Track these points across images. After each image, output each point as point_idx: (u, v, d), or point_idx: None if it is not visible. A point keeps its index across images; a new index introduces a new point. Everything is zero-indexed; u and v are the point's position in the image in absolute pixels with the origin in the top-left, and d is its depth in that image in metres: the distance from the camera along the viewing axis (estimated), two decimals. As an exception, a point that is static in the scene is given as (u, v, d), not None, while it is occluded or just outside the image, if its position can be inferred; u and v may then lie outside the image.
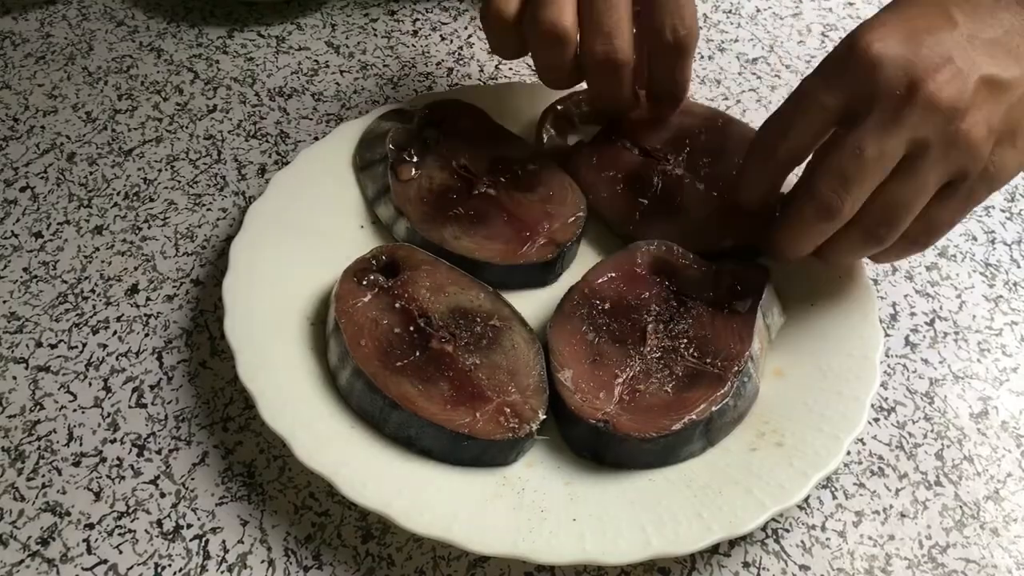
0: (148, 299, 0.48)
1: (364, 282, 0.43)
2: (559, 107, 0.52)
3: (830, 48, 0.62)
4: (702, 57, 0.62)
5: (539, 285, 0.47)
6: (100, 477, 0.42)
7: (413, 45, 0.62)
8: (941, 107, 0.37)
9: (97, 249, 0.50)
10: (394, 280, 0.44)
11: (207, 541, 0.40)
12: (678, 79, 0.46)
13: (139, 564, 0.39)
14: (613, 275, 0.44)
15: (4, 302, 0.48)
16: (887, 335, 0.48)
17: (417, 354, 0.41)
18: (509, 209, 0.47)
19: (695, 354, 0.42)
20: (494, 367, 0.41)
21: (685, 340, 0.42)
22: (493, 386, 0.41)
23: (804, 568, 0.40)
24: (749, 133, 0.49)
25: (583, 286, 0.44)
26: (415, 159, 0.49)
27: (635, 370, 0.41)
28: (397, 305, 0.43)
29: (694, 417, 0.39)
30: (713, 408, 0.39)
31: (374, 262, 0.44)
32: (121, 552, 0.39)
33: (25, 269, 0.49)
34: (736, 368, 0.40)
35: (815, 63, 0.61)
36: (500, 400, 0.40)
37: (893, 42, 0.38)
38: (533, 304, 0.45)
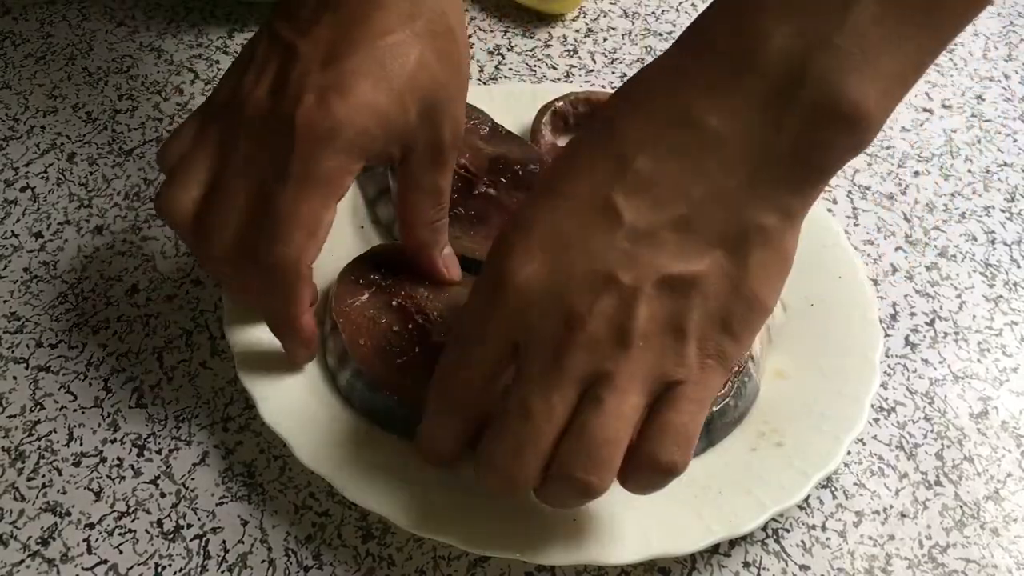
0: (148, 299, 0.48)
1: (361, 281, 0.43)
2: (558, 104, 0.53)
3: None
4: (702, 57, 0.62)
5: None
6: (100, 477, 0.42)
7: (413, 45, 0.62)
8: (607, 341, 0.31)
9: (97, 249, 0.50)
10: (392, 279, 0.44)
11: (207, 541, 0.40)
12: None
13: (139, 564, 0.39)
14: None
15: (4, 302, 0.48)
16: (887, 335, 0.48)
17: (417, 350, 0.41)
18: (509, 209, 0.47)
19: None
20: None
21: None
22: None
23: (804, 568, 0.40)
24: None
25: None
26: (415, 159, 0.49)
27: None
28: (395, 303, 0.43)
29: None
30: (714, 408, 0.39)
31: (371, 261, 0.44)
32: (121, 552, 0.39)
33: (25, 269, 0.49)
34: (736, 368, 0.40)
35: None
36: None
37: (541, 267, 0.32)
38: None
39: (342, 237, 0.48)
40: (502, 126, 0.52)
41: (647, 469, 0.32)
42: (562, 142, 0.52)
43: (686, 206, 0.31)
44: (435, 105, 0.39)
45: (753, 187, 0.31)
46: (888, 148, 0.57)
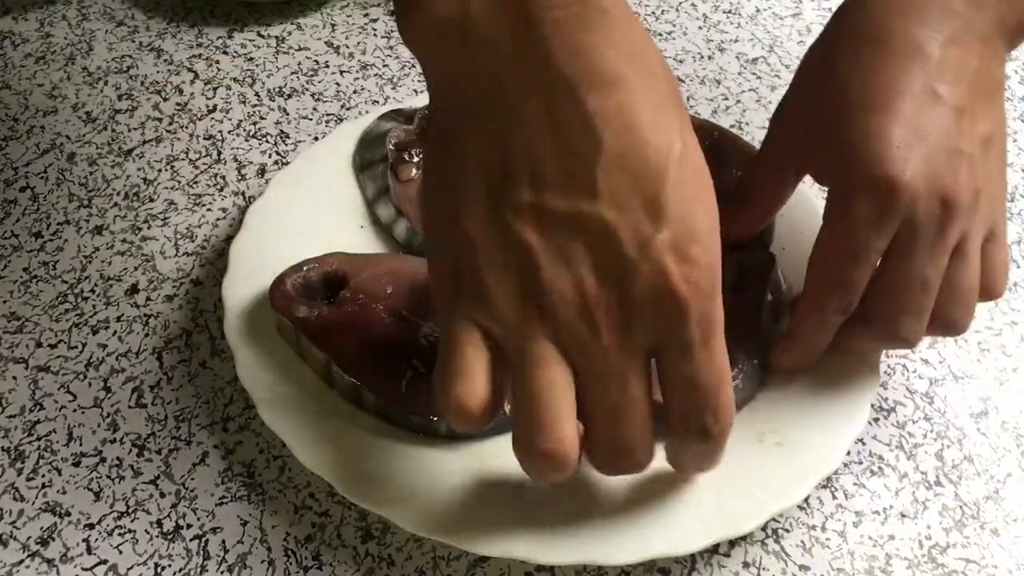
0: (148, 299, 0.48)
1: (314, 309, 0.42)
2: None
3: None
4: (702, 57, 0.62)
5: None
6: (100, 477, 0.42)
7: (413, 45, 0.62)
8: (970, 207, 0.38)
9: (97, 249, 0.50)
10: (344, 292, 0.43)
11: (207, 541, 0.40)
12: (703, 467, 0.36)
13: (139, 564, 0.39)
14: None
15: (4, 302, 0.48)
16: (887, 335, 0.48)
17: (417, 347, 0.41)
18: None
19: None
20: None
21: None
22: None
23: (804, 568, 0.40)
24: (744, 146, 0.50)
25: None
26: (415, 159, 0.49)
27: None
28: (367, 313, 0.42)
29: None
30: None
31: (312, 288, 0.44)
32: (121, 552, 0.39)
33: (25, 269, 0.49)
34: (745, 346, 0.41)
35: (815, 63, 0.61)
36: None
37: (919, 165, 0.37)
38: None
39: (342, 237, 0.48)
40: None
41: (984, 296, 0.40)
42: None
43: (968, 82, 0.38)
44: None
45: (995, 53, 0.40)
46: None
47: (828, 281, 0.39)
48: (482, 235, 0.31)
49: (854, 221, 0.38)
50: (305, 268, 0.44)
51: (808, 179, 0.42)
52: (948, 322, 0.39)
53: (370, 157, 0.50)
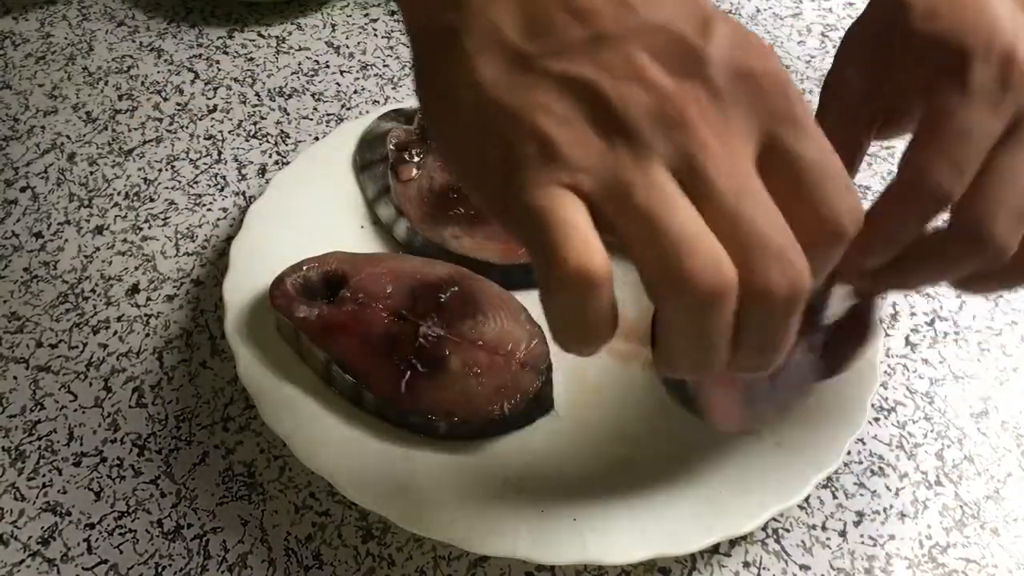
0: (148, 299, 0.48)
1: (315, 309, 0.43)
2: None
3: (831, 48, 0.63)
4: (702, 57, 0.62)
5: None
6: (100, 477, 0.42)
7: (413, 45, 0.62)
8: None
9: (97, 249, 0.50)
10: (344, 292, 0.43)
11: (207, 541, 0.40)
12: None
13: (139, 564, 0.39)
14: None
15: (4, 302, 0.48)
16: (887, 335, 0.48)
17: (416, 347, 0.41)
18: None
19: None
20: (495, 330, 0.42)
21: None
22: (500, 343, 0.42)
23: (804, 568, 0.40)
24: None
25: None
26: (415, 159, 0.49)
27: None
28: (367, 313, 0.42)
29: None
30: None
31: (312, 288, 0.44)
32: (121, 552, 0.39)
33: (25, 269, 0.49)
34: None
35: (815, 63, 0.61)
36: (511, 355, 0.42)
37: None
38: (534, 304, 0.45)
39: (342, 237, 0.48)
40: None
41: None
42: None
43: None
44: None
45: None
46: (888, 148, 0.57)
47: (932, 162, 0.32)
48: (525, 97, 0.26)
49: (971, 93, 0.31)
50: (305, 268, 0.44)
51: None
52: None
53: (370, 157, 0.50)
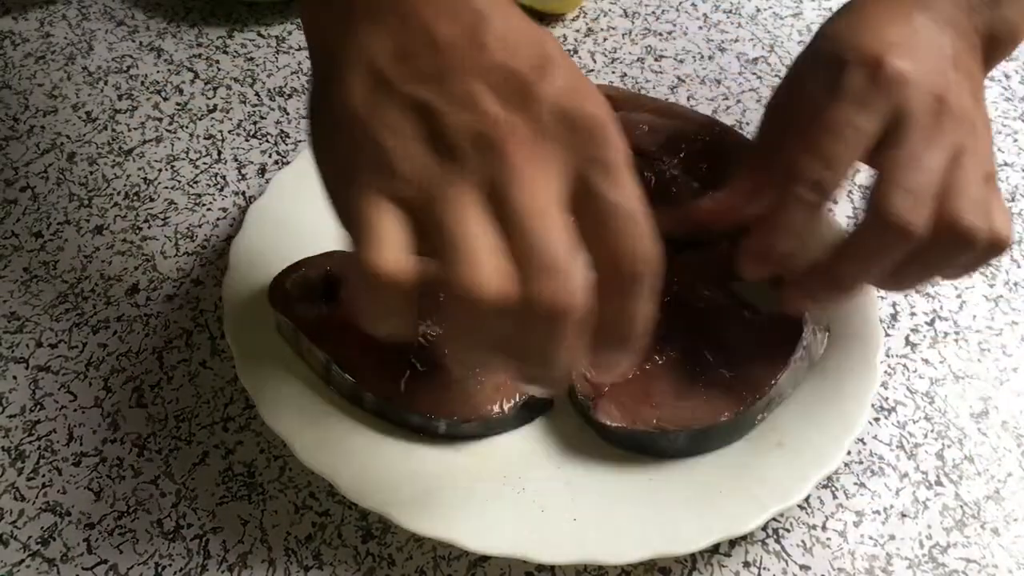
0: (148, 299, 0.48)
1: (317, 310, 0.43)
2: None
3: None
4: (703, 57, 0.62)
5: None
6: (100, 477, 0.42)
7: (413, 45, 0.62)
8: (966, 123, 0.37)
9: (97, 249, 0.50)
10: (344, 292, 0.43)
11: (207, 541, 0.40)
12: (630, 316, 0.31)
13: (139, 564, 0.39)
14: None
15: (4, 302, 0.48)
16: (887, 335, 0.48)
17: (416, 346, 0.41)
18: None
19: (723, 365, 0.41)
20: None
21: (716, 347, 0.42)
22: None
23: (805, 568, 0.40)
24: (745, 141, 0.48)
25: None
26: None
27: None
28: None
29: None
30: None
31: (312, 288, 0.44)
32: (121, 552, 0.39)
33: (25, 269, 0.49)
34: (757, 395, 0.40)
35: (815, 63, 0.61)
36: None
37: (911, 62, 0.36)
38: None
39: (342, 237, 0.48)
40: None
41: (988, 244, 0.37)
42: None
43: (960, 49, 0.39)
44: None
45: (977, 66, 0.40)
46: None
47: (804, 152, 0.36)
48: (374, 109, 0.30)
49: (841, 94, 0.36)
50: (305, 268, 0.44)
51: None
52: (960, 226, 0.35)
53: (370, 157, 0.50)
